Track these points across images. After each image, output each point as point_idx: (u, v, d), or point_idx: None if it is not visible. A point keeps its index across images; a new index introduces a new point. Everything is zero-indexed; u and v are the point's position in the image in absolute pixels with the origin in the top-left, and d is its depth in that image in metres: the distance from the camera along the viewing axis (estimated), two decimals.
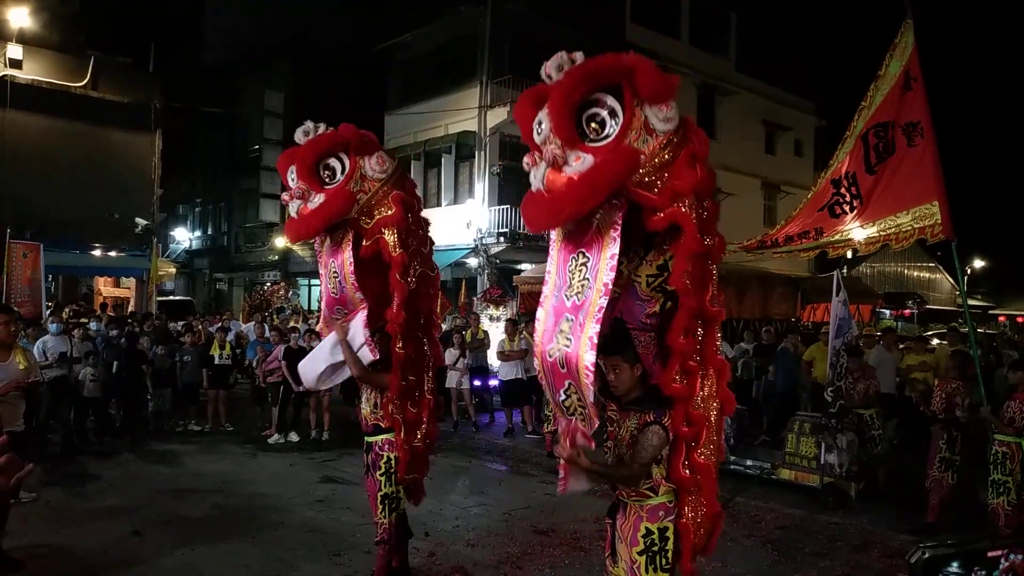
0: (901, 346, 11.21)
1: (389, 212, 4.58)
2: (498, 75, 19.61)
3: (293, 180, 4.50)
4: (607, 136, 2.82)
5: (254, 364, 10.86)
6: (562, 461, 3.08)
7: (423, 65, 22.30)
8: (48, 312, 12.73)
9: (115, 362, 9.77)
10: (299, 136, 4.59)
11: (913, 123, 7.08)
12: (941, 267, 35.57)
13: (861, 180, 7.52)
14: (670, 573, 3.09)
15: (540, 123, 2.84)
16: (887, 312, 25.93)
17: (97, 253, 18.87)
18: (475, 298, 16.07)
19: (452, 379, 11.25)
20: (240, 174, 29.00)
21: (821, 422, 7.63)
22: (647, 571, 3.02)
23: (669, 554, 3.07)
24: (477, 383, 11.86)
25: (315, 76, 24.86)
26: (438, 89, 21.26)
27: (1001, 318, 33.76)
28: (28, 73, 17.46)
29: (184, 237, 34.09)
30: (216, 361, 10.70)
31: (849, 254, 9.53)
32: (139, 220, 19.30)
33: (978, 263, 39.63)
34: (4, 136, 17.44)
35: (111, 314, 16.60)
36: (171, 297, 24.46)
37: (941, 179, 6.77)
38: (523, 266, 18.96)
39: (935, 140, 6.87)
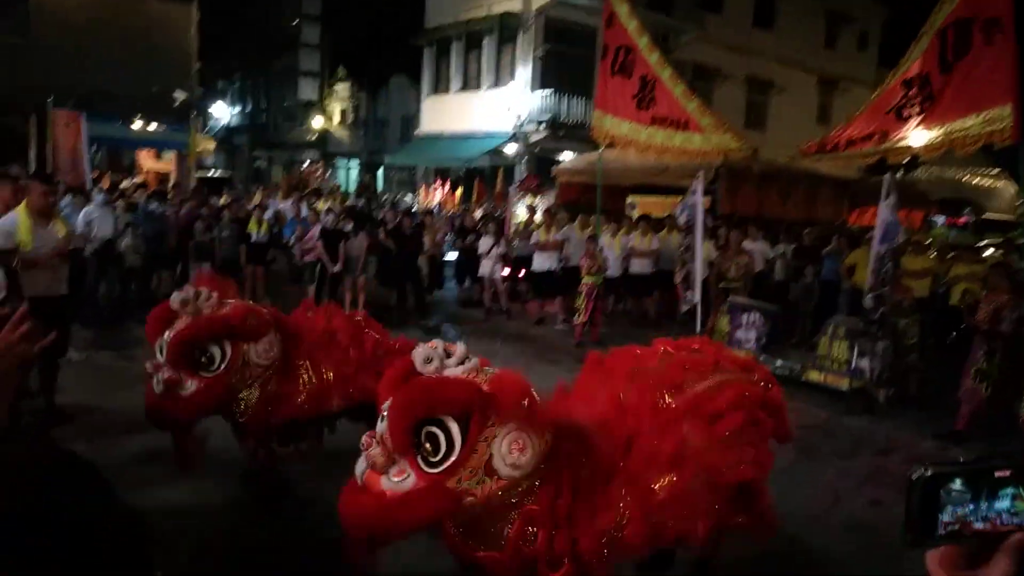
0: (950, 255, 10.86)
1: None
2: None
3: (161, 354, 3.78)
4: (436, 464, 2.41)
5: (291, 242, 10.97)
6: None
7: None
8: (92, 182, 12.93)
9: (156, 235, 9.97)
10: (175, 303, 3.83)
11: (994, 19, 6.54)
12: (1006, 173, 33.87)
13: (934, 80, 7.03)
14: None
15: (382, 418, 2.50)
16: (940, 220, 25.00)
17: (138, 126, 18.89)
18: (511, 187, 15.85)
19: (485, 267, 11.29)
20: (279, 51, 28.41)
21: (859, 327, 7.53)
22: None
23: None
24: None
25: None
26: None
27: None
28: None
29: (223, 113, 33.92)
30: (253, 239, 10.80)
31: (905, 161, 9.07)
32: (178, 94, 19.15)
33: None
34: (42, 5, 17.18)
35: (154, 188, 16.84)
36: (210, 174, 24.64)
37: (1016, 80, 6.32)
38: (563, 155, 18.55)
39: (1015, 39, 6.38)
